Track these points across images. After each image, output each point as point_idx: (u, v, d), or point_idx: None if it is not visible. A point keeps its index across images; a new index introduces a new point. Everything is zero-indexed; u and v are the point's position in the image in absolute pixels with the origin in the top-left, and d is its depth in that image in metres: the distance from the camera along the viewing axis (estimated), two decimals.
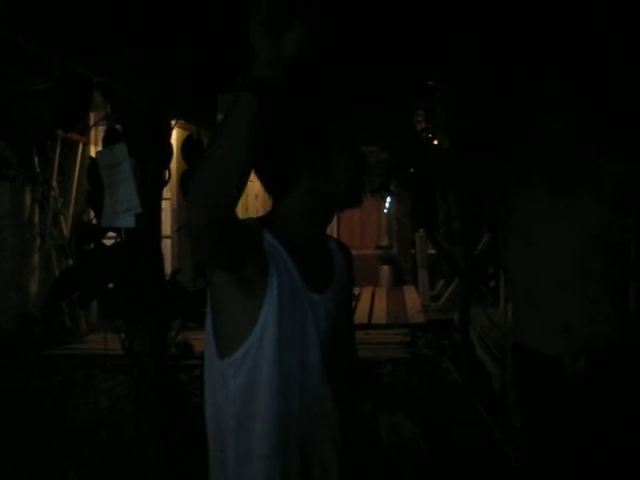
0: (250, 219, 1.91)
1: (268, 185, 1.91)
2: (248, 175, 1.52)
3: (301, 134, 1.83)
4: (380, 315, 11.79)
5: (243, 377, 1.76)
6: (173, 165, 3.33)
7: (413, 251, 14.59)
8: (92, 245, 3.23)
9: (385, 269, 16.32)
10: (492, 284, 10.50)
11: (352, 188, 1.91)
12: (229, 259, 1.66)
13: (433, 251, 11.61)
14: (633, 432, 2.89)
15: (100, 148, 3.29)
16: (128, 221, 3.02)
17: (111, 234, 3.22)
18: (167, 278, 3.38)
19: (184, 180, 3.43)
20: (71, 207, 10.24)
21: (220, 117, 3.72)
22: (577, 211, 2.88)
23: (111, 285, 3.19)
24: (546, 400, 2.98)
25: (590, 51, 3.43)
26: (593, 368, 2.88)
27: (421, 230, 12.01)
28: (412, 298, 13.65)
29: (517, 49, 3.61)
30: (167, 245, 9.76)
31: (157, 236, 3.22)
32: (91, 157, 3.25)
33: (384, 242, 20.15)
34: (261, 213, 2.09)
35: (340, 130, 1.88)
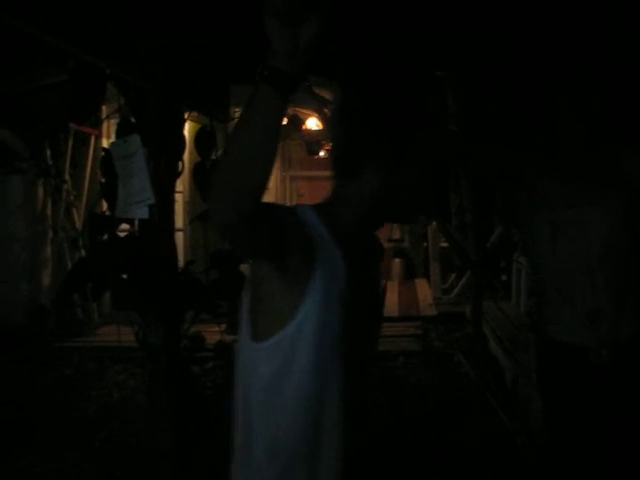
0: (302, 205, 1.81)
1: (334, 165, 1.84)
2: (272, 164, 1.48)
3: (383, 129, 1.73)
4: (392, 308, 11.76)
5: (274, 365, 1.72)
6: (186, 157, 3.33)
7: (425, 244, 14.56)
8: (105, 236, 3.24)
9: (397, 262, 16.27)
10: (504, 277, 10.47)
11: (406, 206, 1.81)
12: (267, 252, 1.63)
13: (445, 244, 11.59)
14: None
15: (112, 141, 3.29)
16: (141, 212, 3.02)
17: (124, 226, 3.23)
18: (180, 270, 3.38)
19: (197, 172, 3.44)
20: (83, 200, 10.27)
21: (233, 109, 3.72)
22: (604, 203, 2.88)
23: (124, 276, 3.19)
24: (571, 390, 2.98)
25: (607, 45, 3.41)
26: (619, 358, 2.89)
27: (433, 223, 11.97)
28: (424, 291, 13.61)
29: (530, 42, 3.59)
30: (180, 238, 9.76)
31: (170, 227, 3.22)
32: (104, 149, 3.26)
33: (396, 235, 20.10)
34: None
35: (425, 141, 1.76)
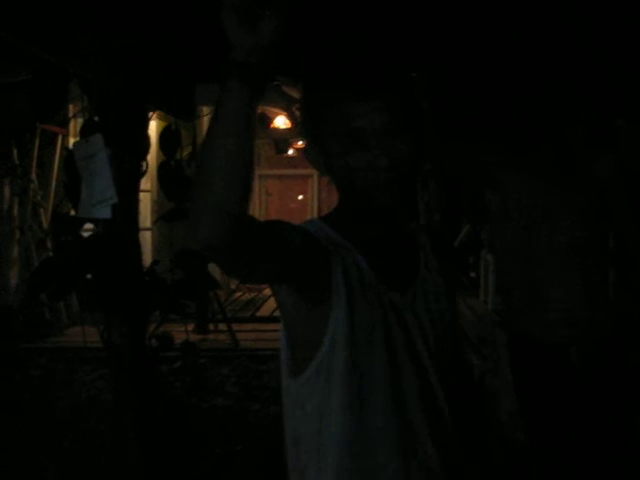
0: (310, 220, 1.67)
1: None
2: (251, 171, 1.33)
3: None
4: None
5: (318, 398, 1.56)
6: (152, 156, 3.32)
7: None
8: (70, 237, 3.23)
9: None
10: (473, 274, 10.54)
11: (359, 183, 1.56)
12: (273, 272, 1.48)
13: None
14: (626, 420, 2.92)
15: (77, 140, 3.29)
16: (104, 212, 3.01)
17: (91, 226, 3.23)
18: (145, 270, 3.38)
19: (162, 172, 3.43)
20: (50, 200, 10.19)
21: (199, 107, 3.72)
22: (573, 204, 2.91)
23: (89, 277, 3.18)
24: (542, 388, 3.00)
25: (588, 49, 3.44)
26: (588, 358, 2.92)
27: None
28: None
29: (509, 42, 3.61)
30: (147, 238, 9.72)
31: (134, 227, 3.22)
32: (67, 148, 3.26)
33: None
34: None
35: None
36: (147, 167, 3.25)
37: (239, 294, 12.41)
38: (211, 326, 9.55)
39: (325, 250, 1.54)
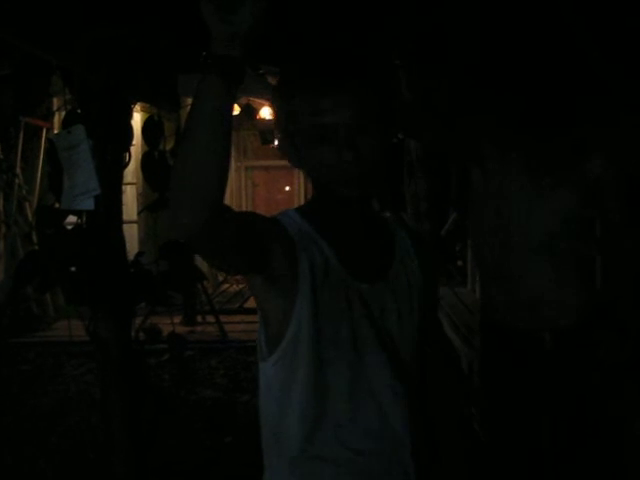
0: (285, 210, 1.71)
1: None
2: (227, 162, 1.37)
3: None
4: None
5: (282, 382, 1.61)
6: (137, 149, 3.31)
7: None
8: (53, 229, 3.21)
9: None
10: (460, 263, 10.54)
11: (326, 177, 1.62)
12: (244, 260, 1.54)
13: None
14: (596, 406, 2.93)
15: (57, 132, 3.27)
16: (87, 203, 3.00)
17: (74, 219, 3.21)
18: (130, 262, 3.36)
19: (145, 162, 3.41)
20: (36, 194, 10.15)
21: (182, 98, 3.70)
22: (552, 195, 2.90)
23: (73, 269, 3.17)
24: (514, 375, 3.01)
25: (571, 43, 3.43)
26: (560, 342, 2.92)
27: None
28: None
29: (497, 32, 3.59)
30: (133, 230, 9.69)
31: (118, 218, 3.20)
32: (50, 140, 3.24)
33: None
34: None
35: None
36: (130, 158, 3.24)
37: (227, 286, 12.40)
38: (199, 318, 9.55)
39: (292, 240, 1.58)
